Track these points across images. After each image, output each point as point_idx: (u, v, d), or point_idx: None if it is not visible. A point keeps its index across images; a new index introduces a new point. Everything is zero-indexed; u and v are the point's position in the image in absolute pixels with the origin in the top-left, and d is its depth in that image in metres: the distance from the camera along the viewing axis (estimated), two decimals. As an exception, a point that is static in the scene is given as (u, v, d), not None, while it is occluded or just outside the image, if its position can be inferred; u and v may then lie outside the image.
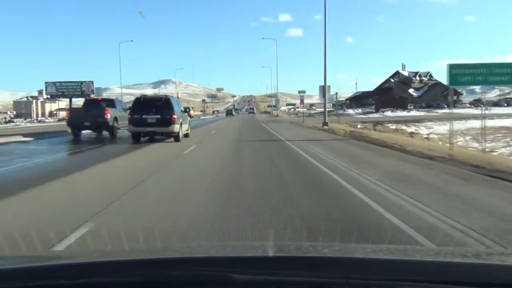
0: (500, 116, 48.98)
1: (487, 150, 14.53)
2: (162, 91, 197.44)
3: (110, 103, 21.74)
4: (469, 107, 77.16)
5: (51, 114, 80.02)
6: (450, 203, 5.45)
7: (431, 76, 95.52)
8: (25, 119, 68.27)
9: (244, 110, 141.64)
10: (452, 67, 13.18)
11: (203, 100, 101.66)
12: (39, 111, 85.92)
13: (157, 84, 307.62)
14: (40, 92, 79.03)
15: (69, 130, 19.74)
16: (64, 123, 28.98)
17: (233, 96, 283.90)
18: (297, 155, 11.55)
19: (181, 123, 16.75)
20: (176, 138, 16.38)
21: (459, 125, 46.49)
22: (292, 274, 1.29)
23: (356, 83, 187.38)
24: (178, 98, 39.00)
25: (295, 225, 4.43)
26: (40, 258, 1.86)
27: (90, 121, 18.88)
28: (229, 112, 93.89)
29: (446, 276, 1.30)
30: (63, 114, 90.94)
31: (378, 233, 4.08)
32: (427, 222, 4.57)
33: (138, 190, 6.55)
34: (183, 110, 18.46)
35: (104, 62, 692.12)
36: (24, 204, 5.82)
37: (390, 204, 5.38)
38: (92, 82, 78.76)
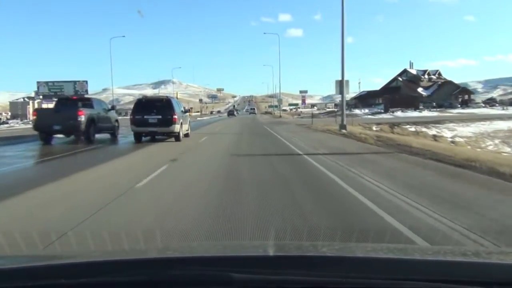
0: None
1: None
2: (162, 91, 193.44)
3: (87, 102, 18.54)
4: (484, 107, 72.38)
5: None
6: None
7: (440, 74, 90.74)
8: (21, 120, 66.31)
9: (244, 110, 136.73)
10: None
11: (200, 100, 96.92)
12: None
13: (157, 85, 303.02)
14: (37, 93, 75.36)
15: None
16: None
17: (234, 97, 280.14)
18: (343, 194, 6.00)
19: (181, 123, 16.95)
20: (177, 138, 16.59)
21: (483, 126, 41.57)
22: (293, 273, 1.28)
23: (359, 83, 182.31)
24: (177, 98, 36.99)
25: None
26: (41, 258, 1.86)
27: (61, 123, 15.73)
28: (230, 113, 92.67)
29: (446, 275, 1.28)
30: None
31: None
32: None
33: None
34: (183, 110, 18.52)
35: (104, 62, 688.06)
36: None
37: None
38: (86, 81, 74.65)
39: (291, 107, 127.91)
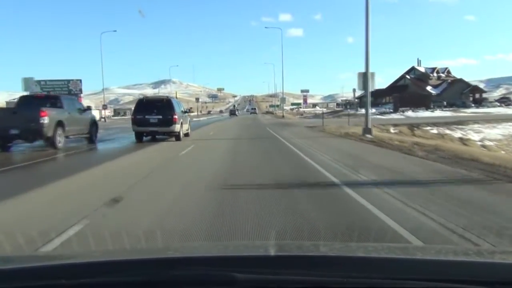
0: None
1: None
2: (162, 91, 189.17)
3: (54, 101, 15.28)
4: (499, 106, 67.85)
5: None
6: None
7: (449, 72, 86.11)
8: None
9: (245, 110, 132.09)
10: None
11: (197, 99, 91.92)
12: None
13: (157, 84, 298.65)
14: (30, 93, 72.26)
15: None
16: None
17: (234, 96, 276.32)
18: None
19: (181, 123, 17.10)
20: (177, 137, 16.73)
21: (512, 127, 37.19)
22: (294, 273, 1.27)
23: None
24: (176, 97, 34.72)
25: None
26: (41, 258, 1.84)
27: (19, 127, 13.05)
28: (232, 112, 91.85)
29: (447, 274, 1.27)
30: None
31: None
32: None
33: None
34: (183, 110, 18.63)
35: (104, 62, 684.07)
36: None
37: None
38: (80, 80, 70.01)
39: (293, 106, 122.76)
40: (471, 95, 79.29)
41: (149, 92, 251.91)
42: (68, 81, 69.60)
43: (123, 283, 1.27)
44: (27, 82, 69.06)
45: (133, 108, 18.58)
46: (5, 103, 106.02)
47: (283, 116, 58.02)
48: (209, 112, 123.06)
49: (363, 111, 63.78)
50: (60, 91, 70.22)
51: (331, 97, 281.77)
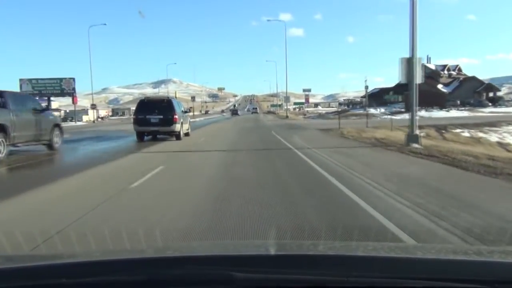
0: None
1: None
2: (162, 90, 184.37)
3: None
4: (517, 105, 63.04)
5: None
6: None
7: (460, 70, 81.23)
8: None
9: (245, 110, 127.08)
10: None
11: (193, 98, 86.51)
12: None
13: (157, 84, 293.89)
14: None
15: None
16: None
17: (235, 96, 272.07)
18: None
19: (182, 123, 17.25)
20: (177, 136, 16.84)
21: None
22: (294, 272, 1.25)
23: (366, 81, 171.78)
24: (176, 97, 32.59)
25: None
26: (42, 257, 1.82)
27: None
28: (234, 112, 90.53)
29: (447, 273, 1.26)
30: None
31: None
32: None
33: None
34: (183, 110, 18.89)
35: (104, 62, 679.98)
36: None
37: None
38: (73, 79, 65.13)
39: (295, 106, 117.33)
40: (484, 93, 74.60)
41: (149, 91, 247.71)
42: (61, 79, 65.34)
43: (123, 282, 1.25)
44: (23, 82, 65.28)
45: (133, 108, 18.54)
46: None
47: (287, 116, 52.99)
48: (206, 112, 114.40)
49: (371, 110, 59.29)
50: (53, 90, 66.15)
51: (332, 97, 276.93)
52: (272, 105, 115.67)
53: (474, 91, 73.02)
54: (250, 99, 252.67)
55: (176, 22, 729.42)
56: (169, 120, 16.20)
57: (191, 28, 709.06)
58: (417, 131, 13.10)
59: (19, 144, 11.76)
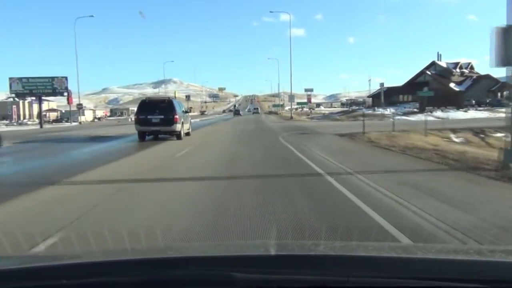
0: None
1: None
2: (162, 91, 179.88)
3: None
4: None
5: (39, 116, 68.04)
6: None
7: (472, 68, 76.28)
8: (9, 121, 60.94)
9: (246, 110, 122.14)
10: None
11: (187, 97, 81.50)
12: (26, 113, 74.75)
13: (157, 84, 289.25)
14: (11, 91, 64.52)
15: None
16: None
17: (235, 96, 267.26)
18: None
19: (182, 123, 17.29)
20: (178, 136, 16.87)
21: None
22: (295, 273, 1.24)
23: (369, 80, 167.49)
24: (175, 97, 33.38)
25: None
26: (42, 258, 1.83)
27: None
28: (236, 112, 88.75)
29: (448, 273, 1.25)
30: (53, 115, 76.42)
31: None
32: None
33: None
34: (184, 110, 18.84)
35: (104, 62, 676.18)
36: None
37: None
38: (66, 78, 59.61)
39: (298, 106, 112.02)
40: (498, 92, 69.69)
41: (149, 92, 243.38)
42: (53, 78, 60.77)
43: (124, 283, 1.24)
44: (13, 81, 61.44)
45: (132, 108, 16.83)
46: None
47: (291, 117, 47.84)
48: (202, 113, 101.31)
49: (381, 110, 54.33)
50: (44, 89, 61.82)
51: (333, 97, 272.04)
52: (274, 105, 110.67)
53: (488, 90, 68.33)
54: (251, 99, 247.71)
55: (177, 23, 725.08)
56: (170, 120, 16.25)
57: (192, 29, 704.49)
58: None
59: None
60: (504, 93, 70.05)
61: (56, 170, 9.18)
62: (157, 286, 1.22)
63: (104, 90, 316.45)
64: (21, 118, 72.90)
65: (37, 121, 59.59)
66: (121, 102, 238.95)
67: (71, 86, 60.27)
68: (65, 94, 62.40)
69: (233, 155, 10.99)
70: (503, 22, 8.01)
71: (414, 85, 69.74)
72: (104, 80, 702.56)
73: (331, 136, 18.27)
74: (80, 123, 69.04)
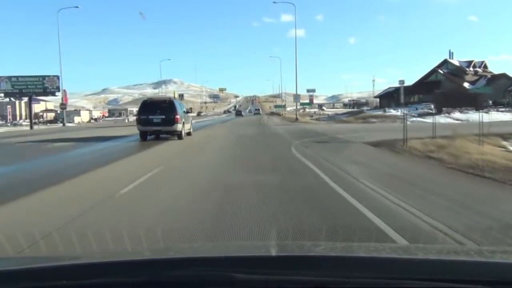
0: None
1: None
2: (162, 91, 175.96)
3: None
4: None
5: (36, 116, 66.49)
6: None
7: (485, 66, 71.75)
8: (4, 122, 59.48)
9: (247, 111, 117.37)
10: None
11: (181, 96, 75.99)
12: (23, 113, 72.13)
13: (157, 85, 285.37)
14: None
15: None
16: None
17: (236, 97, 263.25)
18: None
19: (183, 123, 17.25)
20: (179, 136, 16.86)
21: None
22: (295, 274, 1.23)
23: (373, 80, 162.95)
24: (174, 97, 33.06)
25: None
26: (43, 259, 1.80)
27: None
28: (238, 113, 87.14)
29: (449, 274, 1.23)
30: (50, 116, 72.70)
31: None
32: None
33: None
34: (185, 111, 18.78)
35: (104, 62, 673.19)
36: None
37: None
38: (58, 76, 55.68)
39: (300, 106, 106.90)
40: (515, 92, 65.04)
41: (149, 92, 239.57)
42: (44, 77, 56.74)
43: (124, 284, 1.22)
44: (2, 80, 55.19)
45: (131, 109, 12.07)
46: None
47: (296, 119, 42.98)
48: (198, 114, 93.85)
49: (392, 112, 49.55)
50: (34, 88, 57.90)
51: (335, 98, 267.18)
52: (276, 106, 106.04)
53: (505, 90, 63.60)
54: (251, 100, 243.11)
55: (177, 23, 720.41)
56: (171, 120, 16.27)
57: (192, 29, 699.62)
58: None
59: None
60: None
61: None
62: (158, 287, 1.21)
63: (104, 90, 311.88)
64: (17, 118, 69.49)
65: (35, 121, 57.10)
66: (120, 102, 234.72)
67: (68, 86, 55.91)
68: (57, 94, 58.70)
69: (222, 194, 6.17)
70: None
71: (425, 85, 65.20)
72: (104, 81, 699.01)
73: (361, 146, 13.54)
74: (78, 123, 65.40)
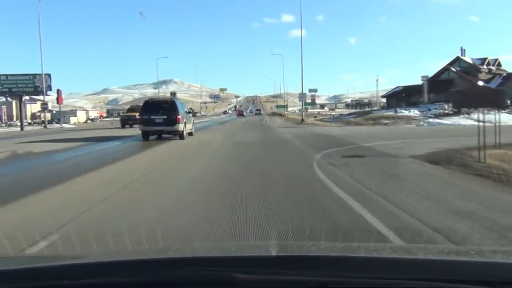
0: None
1: None
2: (162, 91, 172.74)
3: None
4: None
5: (34, 117, 65.72)
6: None
7: (499, 64, 67.61)
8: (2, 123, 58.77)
9: (248, 111, 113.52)
10: None
11: (173, 94, 71.29)
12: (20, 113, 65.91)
13: (158, 85, 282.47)
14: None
15: None
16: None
17: (237, 97, 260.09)
18: None
19: (185, 123, 17.26)
20: (181, 136, 16.88)
21: None
22: (295, 274, 1.22)
23: (377, 80, 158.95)
24: (171, 96, 30.28)
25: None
26: (44, 259, 1.81)
27: None
28: (240, 113, 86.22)
29: (449, 274, 1.22)
30: (48, 116, 69.47)
31: None
32: None
33: None
34: (187, 111, 19.13)
35: (104, 62, 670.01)
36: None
37: None
38: (50, 75, 56.08)
39: (307, 106, 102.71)
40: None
41: (150, 92, 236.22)
42: (34, 75, 53.60)
43: (125, 283, 1.22)
44: None
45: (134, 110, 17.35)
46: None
47: (302, 120, 38.73)
48: (194, 115, 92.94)
49: (404, 112, 45.09)
50: (25, 87, 54.55)
51: (336, 98, 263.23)
52: (278, 106, 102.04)
53: (522, 89, 59.30)
54: (252, 100, 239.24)
55: (178, 23, 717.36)
56: (172, 120, 16.24)
57: (193, 30, 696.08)
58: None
59: None
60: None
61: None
62: (158, 287, 1.20)
63: (104, 90, 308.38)
64: (14, 119, 66.41)
65: (30, 121, 55.73)
66: (120, 102, 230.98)
67: (68, 86, 51.98)
68: (49, 93, 55.75)
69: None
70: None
71: (437, 83, 61.07)
72: (104, 81, 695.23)
73: (416, 164, 9.16)
74: (74, 123, 63.01)
